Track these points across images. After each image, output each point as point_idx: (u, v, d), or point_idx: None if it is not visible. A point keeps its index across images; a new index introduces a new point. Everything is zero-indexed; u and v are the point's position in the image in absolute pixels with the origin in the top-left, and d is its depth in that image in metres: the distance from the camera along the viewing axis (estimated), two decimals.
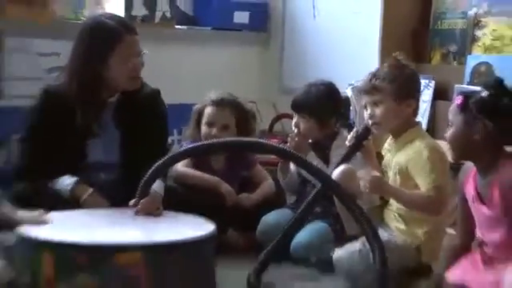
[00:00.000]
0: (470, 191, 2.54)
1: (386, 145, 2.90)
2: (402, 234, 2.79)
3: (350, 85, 3.47)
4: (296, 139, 3.09)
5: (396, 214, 2.82)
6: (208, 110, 3.30)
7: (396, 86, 2.78)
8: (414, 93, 2.83)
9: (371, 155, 2.88)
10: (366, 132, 2.85)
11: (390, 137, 2.87)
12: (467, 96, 2.49)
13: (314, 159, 3.04)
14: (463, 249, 2.62)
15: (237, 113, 3.32)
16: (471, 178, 2.55)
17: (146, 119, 3.00)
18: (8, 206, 2.59)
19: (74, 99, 2.88)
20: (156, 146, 3.01)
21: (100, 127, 2.95)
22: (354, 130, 2.87)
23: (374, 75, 2.84)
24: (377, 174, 2.77)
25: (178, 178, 3.15)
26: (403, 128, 2.81)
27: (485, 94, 2.45)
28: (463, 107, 2.47)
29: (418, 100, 2.86)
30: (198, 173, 3.25)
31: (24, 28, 3.55)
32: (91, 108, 2.91)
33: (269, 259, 2.73)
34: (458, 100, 2.50)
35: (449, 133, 2.52)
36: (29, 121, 2.95)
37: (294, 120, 3.16)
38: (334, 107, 3.17)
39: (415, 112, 2.86)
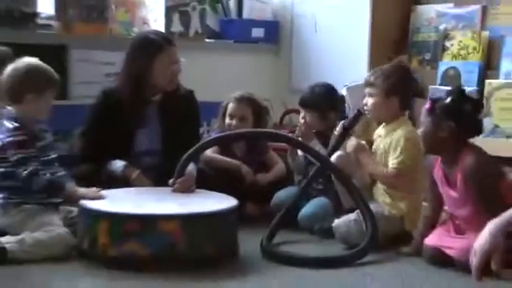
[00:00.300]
0: (438, 175, 2.46)
1: (378, 131, 2.80)
2: (388, 206, 2.69)
3: (344, 85, 3.38)
4: (303, 129, 2.99)
5: (383, 191, 2.72)
6: (230, 105, 3.21)
7: (386, 84, 2.68)
8: (402, 91, 2.70)
9: None
10: (353, 123, 2.75)
11: (383, 124, 2.77)
12: (434, 101, 2.39)
13: (316, 145, 2.94)
14: (434, 219, 2.55)
15: (253, 107, 3.22)
16: (438, 165, 2.44)
17: (183, 113, 2.91)
18: (72, 184, 2.51)
19: (125, 98, 2.80)
20: (191, 135, 2.93)
21: (145, 120, 2.87)
22: (341, 122, 2.77)
23: (374, 72, 2.74)
24: (363, 143, 2.70)
25: (207, 162, 3.05)
26: (391, 118, 2.72)
27: (448, 100, 2.35)
28: (431, 111, 2.37)
29: (406, 97, 2.74)
30: (223, 157, 3.15)
31: (87, 42, 3.47)
32: (138, 105, 2.83)
33: (278, 227, 2.65)
34: (427, 105, 2.40)
35: (419, 131, 2.43)
36: (89, 115, 2.89)
37: (301, 114, 3.06)
38: (333, 103, 3.06)
39: (402, 106, 2.73)
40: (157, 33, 2.97)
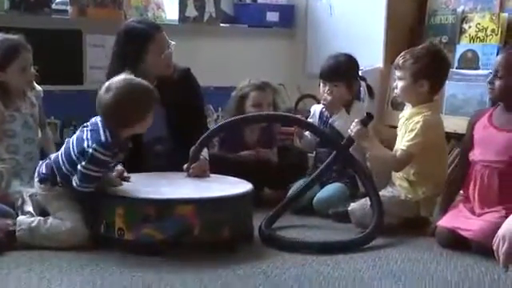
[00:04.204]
0: (482, 123, 2.49)
1: (404, 112, 2.78)
2: (405, 191, 2.70)
3: (360, 69, 3.35)
4: (329, 100, 2.97)
5: (401, 175, 2.72)
6: (253, 94, 3.16)
7: (415, 67, 2.64)
8: (431, 75, 2.66)
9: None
10: (367, 120, 2.68)
11: (410, 106, 2.75)
12: None
13: (344, 115, 2.94)
14: (462, 177, 2.56)
15: (273, 93, 3.23)
16: (486, 115, 2.49)
17: (182, 93, 2.89)
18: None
19: None
20: (195, 113, 2.92)
21: None
22: (356, 120, 2.67)
23: (403, 55, 2.70)
24: (364, 128, 2.63)
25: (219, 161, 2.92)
26: (418, 101, 2.68)
27: None
28: None
29: (436, 81, 2.69)
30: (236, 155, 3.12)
31: (101, 27, 3.50)
32: None
33: (280, 212, 2.67)
34: None
35: (500, 81, 2.40)
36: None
37: (326, 88, 2.99)
38: (357, 72, 3.06)
39: (432, 90, 2.69)
40: (142, 21, 2.94)
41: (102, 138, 2.28)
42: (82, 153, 2.29)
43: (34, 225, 2.34)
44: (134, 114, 2.33)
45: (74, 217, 2.37)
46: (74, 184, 2.32)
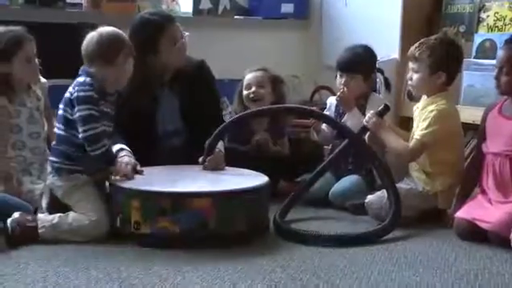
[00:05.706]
0: (493, 114, 2.51)
1: (419, 103, 2.75)
2: (422, 182, 2.67)
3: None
4: (344, 95, 2.93)
5: (418, 167, 2.70)
6: (245, 78, 3.17)
7: (432, 59, 2.61)
8: (448, 67, 2.62)
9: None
10: (384, 111, 2.67)
11: (425, 97, 2.71)
12: None
13: (356, 114, 2.90)
14: (477, 169, 2.55)
15: (269, 76, 3.17)
16: (497, 106, 2.51)
17: (197, 86, 2.88)
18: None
19: (134, 84, 2.68)
20: (211, 104, 2.91)
21: (161, 101, 2.85)
22: (372, 112, 2.67)
23: (419, 46, 2.66)
24: (381, 119, 2.63)
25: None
26: (434, 92, 2.65)
27: None
28: None
29: (452, 72, 2.66)
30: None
31: (115, 20, 3.46)
32: (147, 90, 2.79)
33: (292, 203, 2.65)
34: None
35: (507, 77, 2.42)
36: None
37: (343, 79, 2.96)
38: (375, 63, 3.04)
39: (448, 82, 2.66)
40: (155, 13, 2.93)
41: (81, 79, 2.42)
42: (71, 103, 2.39)
43: (55, 221, 2.34)
44: (100, 50, 2.42)
45: (97, 207, 2.37)
46: (86, 145, 2.36)
